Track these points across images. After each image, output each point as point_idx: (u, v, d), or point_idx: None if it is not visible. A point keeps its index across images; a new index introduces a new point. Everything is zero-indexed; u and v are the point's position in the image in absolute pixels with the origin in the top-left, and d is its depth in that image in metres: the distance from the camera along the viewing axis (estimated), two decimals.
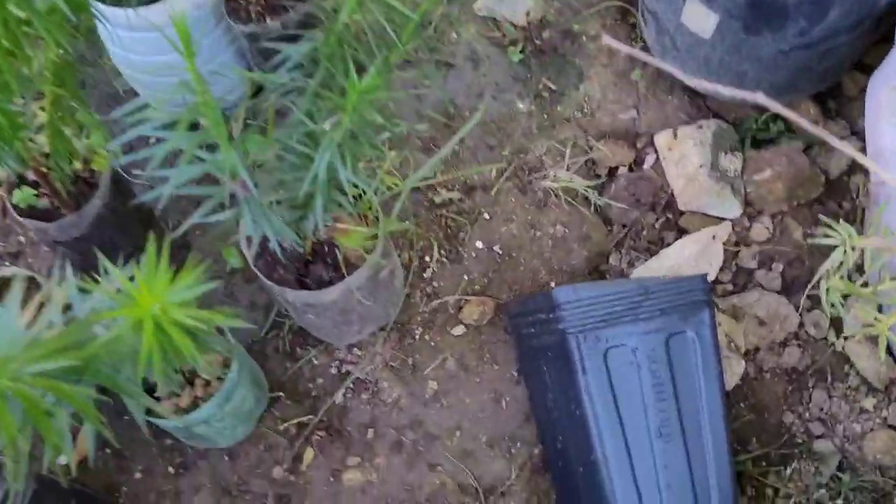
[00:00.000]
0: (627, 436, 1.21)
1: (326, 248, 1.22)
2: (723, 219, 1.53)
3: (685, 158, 1.52)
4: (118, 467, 1.47)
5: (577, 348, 1.21)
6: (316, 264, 1.23)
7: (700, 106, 1.63)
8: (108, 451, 1.48)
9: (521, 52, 1.64)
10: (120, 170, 1.67)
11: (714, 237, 1.48)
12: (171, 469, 1.45)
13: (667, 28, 1.49)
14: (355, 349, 1.48)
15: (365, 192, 1.20)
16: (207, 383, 1.29)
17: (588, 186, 1.53)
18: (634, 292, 1.23)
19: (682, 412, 1.23)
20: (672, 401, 1.23)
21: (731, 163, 1.54)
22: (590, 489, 1.24)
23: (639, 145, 1.61)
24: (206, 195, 1.01)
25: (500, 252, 1.51)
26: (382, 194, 1.23)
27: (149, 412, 1.30)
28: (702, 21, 1.39)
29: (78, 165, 1.38)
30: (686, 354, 1.25)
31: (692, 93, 1.63)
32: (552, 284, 1.48)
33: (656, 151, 1.60)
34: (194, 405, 1.28)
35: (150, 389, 1.30)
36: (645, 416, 1.22)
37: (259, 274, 1.20)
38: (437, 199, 1.55)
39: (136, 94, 1.74)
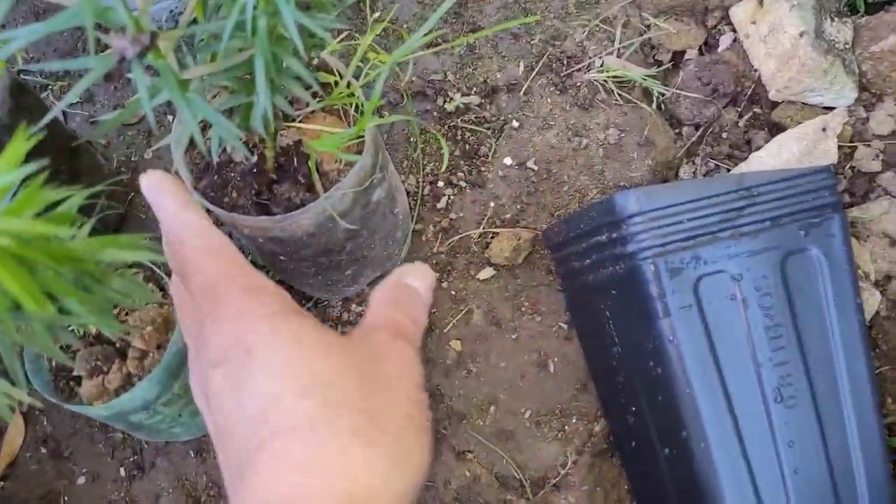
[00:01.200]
0: (733, 402, 0.84)
1: (296, 161, 0.84)
2: (831, 108, 1.14)
3: (778, 30, 1.14)
4: (57, 471, 1.14)
5: (654, 279, 0.84)
6: (283, 184, 0.85)
7: None
8: (43, 450, 1.15)
9: None
10: (45, 95, 1.33)
11: (825, 129, 1.10)
12: (122, 471, 1.12)
13: None
14: (353, 305, 1.12)
15: (340, 76, 0.83)
16: (143, 355, 0.94)
17: (647, 75, 1.15)
18: (733, 194, 0.86)
19: (810, 364, 0.86)
20: (794, 349, 0.86)
21: (840, 31, 1.15)
22: (680, 478, 0.88)
23: (709, 23, 1.23)
24: (83, 67, 0.63)
25: (536, 169, 1.14)
26: (366, 77, 0.86)
27: (66, 394, 0.96)
28: None
29: None
30: (810, 281, 0.88)
31: None
32: None
33: (734, 30, 1.21)
34: (128, 385, 0.94)
35: (67, 367, 0.96)
36: (756, 373, 0.85)
37: (202, 198, 0.82)
38: (450, 107, 1.18)
39: None
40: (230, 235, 0.80)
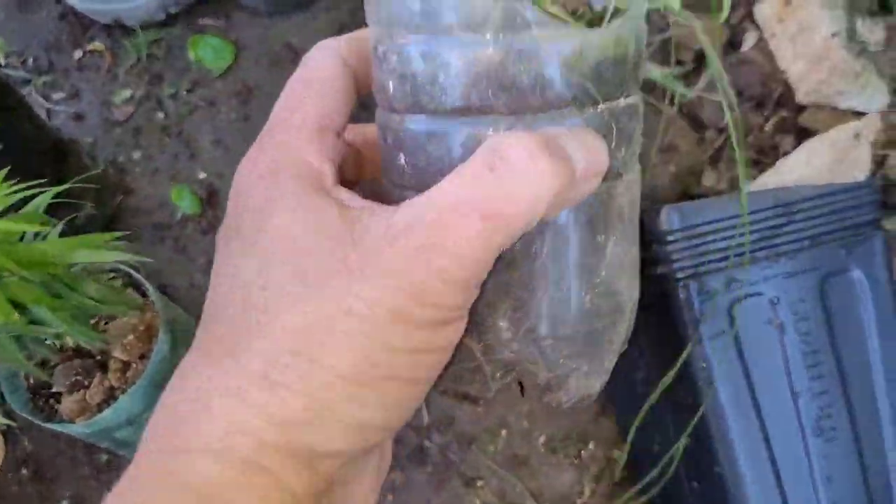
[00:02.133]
0: (769, 434, 0.78)
1: None
2: (862, 113, 1.08)
3: (807, 29, 1.07)
4: (39, 494, 1.07)
5: (689, 302, 0.78)
6: None
7: None
8: (24, 472, 1.09)
9: None
10: (27, 92, 1.25)
11: (857, 136, 1.03)
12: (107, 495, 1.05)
13: None
14: None
15: None
16: (126, 367, 0.88)
17: (669, 76, 1.09)
18: (771, 212, 0.80)
19: (850, 395, 0.80)
20: (834, 378, 0.80)
21: (873, 32, 1.08)
22: None
23: (733, 20, 1.16)
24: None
25: None
26: None
27: (48, 415, 0.89)
28: None
29: None
30: (851, 305, 0.82)
31: None
32: None
33: (758, 28, 1.15)
34: (111, 399, 0.87)
35: (46, 384, 0.89)
36: (794, 404, 0.79)
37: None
38: None
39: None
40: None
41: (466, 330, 0.51)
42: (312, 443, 0.34)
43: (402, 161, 0.40)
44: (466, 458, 0.97)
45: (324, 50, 0.45)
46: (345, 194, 0.39)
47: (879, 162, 1.07)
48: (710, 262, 0.78)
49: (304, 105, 0.44)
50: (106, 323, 0.91)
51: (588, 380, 0.58)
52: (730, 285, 0.78)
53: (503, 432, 0.98)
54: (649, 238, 0.78)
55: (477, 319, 0.48)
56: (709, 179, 1.10)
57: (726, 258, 0.78)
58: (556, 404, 0.63)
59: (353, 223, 0.37)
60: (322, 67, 0.44)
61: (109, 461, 1.06)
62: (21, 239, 0.59)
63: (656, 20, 1.13)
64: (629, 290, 0.53)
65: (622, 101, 0.40)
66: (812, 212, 0.80)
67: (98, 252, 0.56)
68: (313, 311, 0.35)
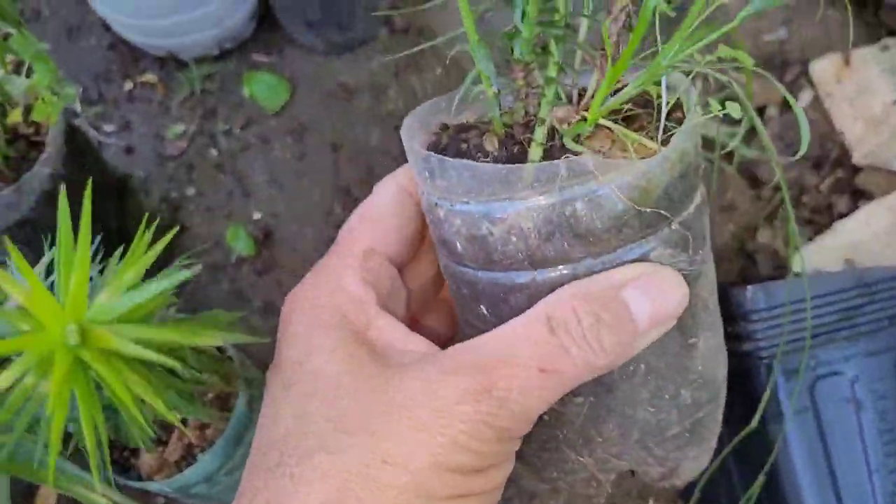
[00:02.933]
0: None
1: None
2: None
3: (866, 92, 1.09)
4: None
5: (770, 381, 0.79)
6: None
7: (870, 22, 1.19)
8: None
9: None
10: (78, 123, 1.25)
11: None
12: None
13: None
14: None
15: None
16: (204, 424, 0.88)
17: (729, 134, 1.10)
18: (852, 291, 0.81)
19: None
20: None
21: None
22: None
23: (788, 77, 1.18)
24: None
25: None
26: None
27: (122, 465, 0.89)
28: None
29: (16, 117, 0.96)
30: None
31: (859, 4, 1.19)
32: None
33: (812, 85, 1.17)
34: (188, 456, 0.88)
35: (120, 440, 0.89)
36: (870, 481, 0.80)
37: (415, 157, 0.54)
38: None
39: (105, 28, 1.31)
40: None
41: (575, 445, 0.52)
42: None
43: (484, 311, 0.40)
44: None
45: (388, 180, 0.46)
46: (386, 326, 0.40)
47: None
48: (792, 340, 0.79)
49: (354, 233, 0.45)
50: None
51: (698, 461, 0.60)
52: (812, 364, 0.80)
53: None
54: (734, 314, 0.80)
55: (586, 436, 0.48)
56: (764, 236, 1.11)
57: (810, 337, 0.80)
58: (671, 487, 0.64)
59: (391, 366, 0.38)
60: (382, 196, 0.46)
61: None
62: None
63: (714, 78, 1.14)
64: (722, 372, 0.54)
65: (692, 206, 0.41)
66: (891, 292, 0.82)
67: (227, 335, 0.57)
68: (349, 461, 0.35)
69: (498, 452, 0.37)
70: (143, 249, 0.47)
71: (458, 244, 0.40)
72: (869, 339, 0.81)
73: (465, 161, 0.37)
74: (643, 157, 0.36)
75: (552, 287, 0.39)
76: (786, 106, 1.16)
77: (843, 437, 0.80)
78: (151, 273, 0.48)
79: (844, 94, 1.12)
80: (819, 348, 0.80)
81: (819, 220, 1.11)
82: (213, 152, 1.22)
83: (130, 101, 1.28)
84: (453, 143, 0.41)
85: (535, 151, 0.38)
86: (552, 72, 0.38)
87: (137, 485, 0.83)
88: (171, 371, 0.62)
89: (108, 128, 1.26)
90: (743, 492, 0.85)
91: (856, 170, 1.12)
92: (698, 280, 0.43)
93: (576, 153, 0.37)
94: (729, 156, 1.12)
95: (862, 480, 0.80)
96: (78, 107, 1.22)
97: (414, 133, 0.42)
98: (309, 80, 1.25)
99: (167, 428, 0.87)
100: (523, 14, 0.38)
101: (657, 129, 0.38)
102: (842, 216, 1.09)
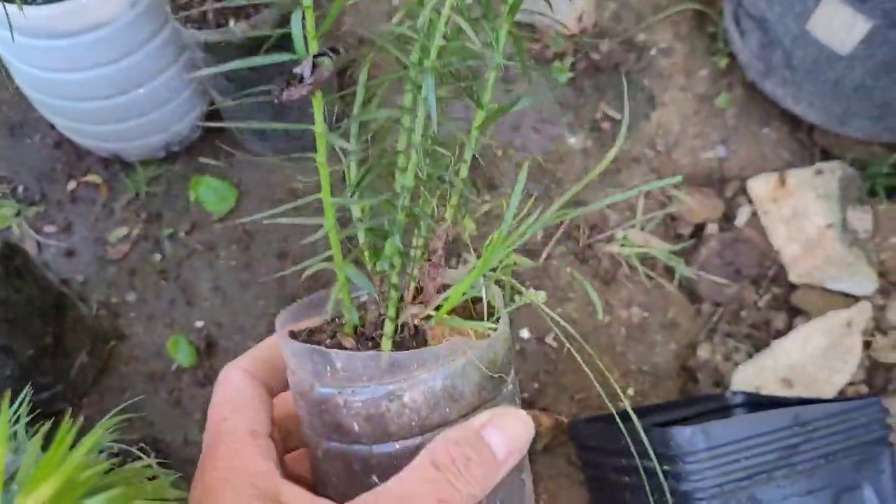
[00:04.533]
0: None
1: (415, 342, 0.66)
2: (850, 295, 1.13)
3: (802, 216, 1.13)
4: None
5: None
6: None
7: (803, 141, 1.24)
8: None
9: (570, 68, 1.23)
10: (17, 223, 1.23)
11: (849, 325, 1.08)
12: None
13: (779, 39, 1.09)
14: None
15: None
16: None
17: (670, 251, 1.13)
18: (789, 430, 0.82)
19: None
20: None
21: (861, 220, 1.14)
22: None
23: (727, 193, 1.21)
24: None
25: (555, 345, 1.09)
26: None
27: None
28: (842, 30, 1.00)
29: None
30: None
31: (794, 124, 1.23)
32: (630, 391, 1.07)
33: (751, 202, 1.20)
34: None
35: None
36: None
37: (289, 351, 0.60)
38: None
39: (51, 126, 1.29)
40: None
41: None
42: None
43: (376, 479, 0.47)
44: None
45: (233, 368, 0.51)
46: (292, 493, 0.45)
47: (866, 344, 1.12)
48: (732, 481, 0.80)
49: (231, 420, 0.50)
50: None
51: None
52: (752, 503, 0.80)
53: None
54: (673, 454, 0.80)
55: None
56: (704, 351, 1.13)
57: (748, 477, 0.80)
58: None
59: None
60: (237, 382, 0.50)
61: None
62: None
63: (657, 194, 1.17)
64: None
65: (513, 371, 0.49)
66: (826, 429, 0.83)
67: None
68: None
69: None
70: (63, 453, 0.46)
71: (355, 425, 0.46)
72: (806, 479, 0.82)
73: (371, 353, 0.45)
74: (480, 338, 0.46)
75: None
76: (725, 222, 1.19)
77: None
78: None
79: (781, 215, 1.15)
80: (758, 487, 0.81)
81: (757, 336, 1.13)
82: (157, 257, 1.21)
83: (73, 202, 1.26)
84: (313, 342, 0.49)
85: (386, 344, 0.46)
86: (393, 299, 0.48)
87: None
88: None
89: (49, 229, 1.24)
90: None
91: (792, 287, 1.15)
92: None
93: (422, 341, 0.48)
94: (670, 272, 1.14)
95: None
96: (15, 219, 1.20)
97: (284, 333, 0.49)
98: (258, 186, 1.25)
99: None
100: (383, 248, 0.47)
101: (483, 317, 0.47)
102: (779, 333, 1.12)
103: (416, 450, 0.45)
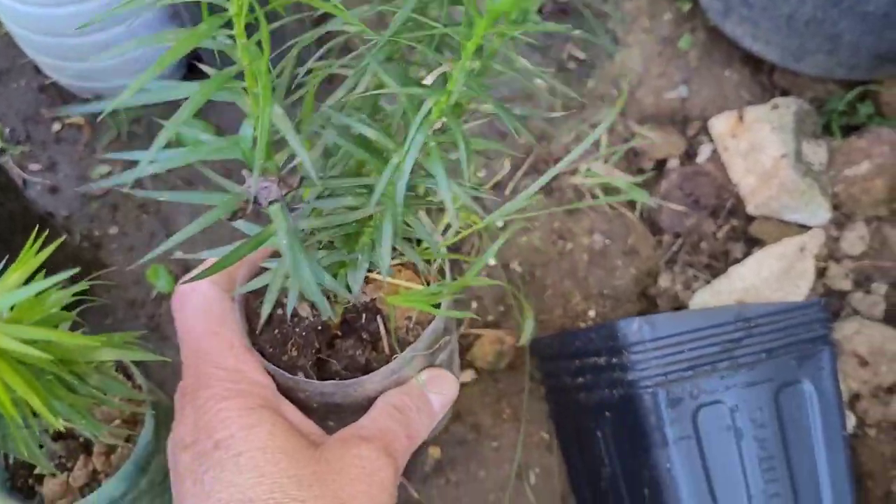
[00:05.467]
0: None
1: (364, 318, 0.69)
2: (805, 226, 1.17)
3: (758, 149, 1.17)
4: None
5: (654, 409, 0.83)
6: (347, 340, 0.70)
7: (764, 83, 1.29)
8: None
9: (538, 10, 1.27)
10: (2, 161, 1.26)
11: (802, 250, 1.12)
12: None
13: None
14: None
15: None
16: (110, 450, 0.89)
17: (632, 184, 1.17)
18: (732, 326, 0.87)
19: (799, 499, 0.87)
20: (786, 482, 0.86)
21: (816, 153, 1.18)
22: None
23: (689, 132, 1.26)
24: (205, 203, 0.54)
25: (520, 271, 1.14)
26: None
27: (25, 493, 0.89)
28: None
29: None
30: (801, 415, 0.89)
31: (755, 65, 1.28)
32: (590, 314, 1.11)
33: (712, 140, 1.24)
34: (93, 483, 0.88)
35: (26, 464, 0.89)
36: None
37: (261, 356, 0.62)
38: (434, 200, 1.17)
39: (36, 71, 1.33)
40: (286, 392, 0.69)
41: None
42: None
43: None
44: None
45: (204, 285, 0.58)
46: (289, 409, 0.54)
47: (821, 272, 1.16)
48: (676, 371, 0.84)
49: (225, 335, 0.56)
50: (93, 406, 0.92)
51: None
52: (694, 393, 0.84)
53: None
54: (621, 345, 0.84)
55: None
56: (665, 281, 1.17)
57: (692, 368, 0.84)
58: None
59: (314, 441, 0.51)
60: (216, 301, 0.57)
61: None
62: None
63: (620, 131, 1.21)
64: None
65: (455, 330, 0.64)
66: (768, 326, 0.87)
67: (121, 351, 0.59)
68: (323, 498, 0.46)
69: (395, 495, 0.50)
70: (32, 254, 0.50)
71: (313, 404, 0.59)
72: (748, 371, 0.86)
73: (330, 382, 0.57)
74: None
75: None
76: (686, 156, 1.23)
77: (725, 462, 0.84)
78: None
79: (739, 149, 1.19)
80: (701, 378, 0.85)
81: (716, 266, 1.17)
82: (135, 195, 1.25)
83: (57, 143, 1.30)
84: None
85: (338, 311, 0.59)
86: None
87: None
88: (67, 385, 0.64)
89: (34, 167, 1.28)
90: None
91: (750, 219, 1.20)
92: (450, 342, 0.66)
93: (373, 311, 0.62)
94: (631, 204, 1.18)
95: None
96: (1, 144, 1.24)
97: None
98: (236, 125, 1.29)
99: (73, 454, 0.88)
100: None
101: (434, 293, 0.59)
102: (737, 262, 1.16)
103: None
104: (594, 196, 1.16)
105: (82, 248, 1.21)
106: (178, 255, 1.19)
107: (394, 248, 0.58)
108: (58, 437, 0.90)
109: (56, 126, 1.31)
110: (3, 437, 0.60)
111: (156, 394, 0.94)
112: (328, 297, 0.60)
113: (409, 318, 0.65)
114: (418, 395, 0.56)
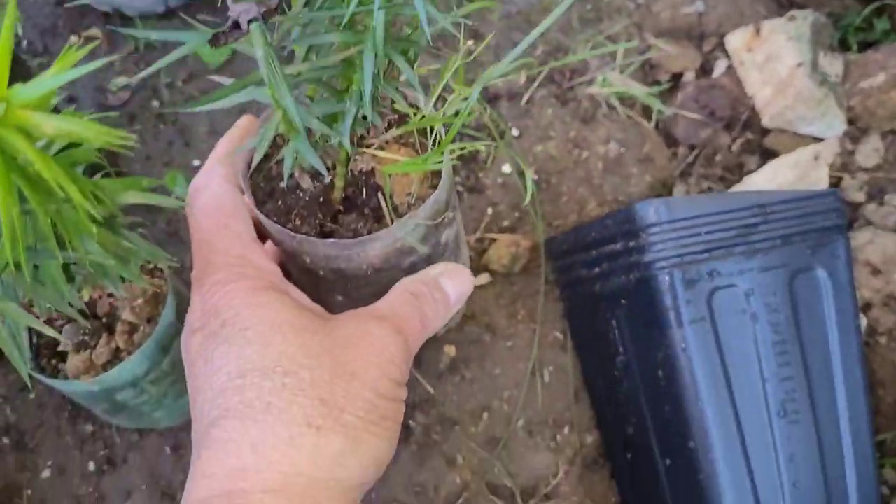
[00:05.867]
0: (740, 414, 0.85)
1: (365, 192, 0.70)
2: (820, 139, 1.18)
3: (774, 59, 1.17)
4: (20, 463, 1.08)
5: (670, 290, 0.84)
6: (350, 214, 0.73)
7: (781, 0, 1.28)
8: (6, 440, 1.09)
9: None
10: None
11: (817, 158, 1.13)
12: (91, 465, 1.06)
13: None
14: None
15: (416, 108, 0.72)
16: (133, 329, 0.90)
17: (649, 94, 1.17)
18: (749, 211, 0.87)
19: (811, 382, 0.88)
20: (798, 366, 0.88)
21: (832, 65, 1.19)
22: (680, 489, 0.88)
23: (705, 48, 1.26)
24: (177, 40, 0.55)
25: (535, 178, 1.14)
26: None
27: (49, 372, 0.91)
28: None
29: None
30: (815, 301, 0.90)
31: None
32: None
33: (728, 56, 1.24)
34: (115, 360, 0.89)
35: (50, 343, 0.91)
36: (763, 388, 0.86)
37: (263, 219, 0.64)
38: (449, 110, 1.18)
39: None
40: (284, 271, 0.70)
41: None
42: (349, 477, 0.45)
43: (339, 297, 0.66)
44: (449, 439, 1.02)
45: (216, 180, 0.60)
46: (295, 291, 0.55)
47: (835, 183, 1.17)
48: (692, 253, 0.85)
49: (235, 227, 0.58)
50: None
51: None
52: (710, 276, 0.85)
53: (485, 415, 1.03)
54: (637, 228, 0.85)
55: None
56: (679, 192, 1.18)
57: (708, 251, 0.85)
58: None
59: (323, 318, 0.52)
60: (227, 195, 0.59)
61: (94, 432, 1.07)
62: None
63: (636, 44, 1.21)
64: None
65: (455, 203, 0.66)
66: (784, 213, 0.88)
67: (146, 195, 0.60)
68: (324, 374, 0.46)
69: (406, 374, 0.51)
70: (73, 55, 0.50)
71: (319, 271, 0.63)
72: (763, 256, 0.87)
73: (331, 241, 0.58)
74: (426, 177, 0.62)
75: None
76: (702, 72, 1.24)
77: (739, 345, 0.85)
78: None
79: (755, 61, 1.19)
80: (717, 261, 0.86)
81: (730, 178, 1.18)
82: (155, 104, 1.26)
83: None
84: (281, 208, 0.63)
85: (337, 195, 0.61)
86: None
87: (63, 384, 0.85)
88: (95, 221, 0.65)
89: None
90: (643, 398, 0.90)
91: (765, 132, 1.20)
92: (454, 220, 0.71)
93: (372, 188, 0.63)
94: (647, 114, 1.19)
95: (755, 387, 0.86)
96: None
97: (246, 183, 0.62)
98: None
99: (96, 332, 0.89)
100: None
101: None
102: (751, 173, 1.16)
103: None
104: (610, 105, 1.16)
105: (99, 157, 1.22)
106: (196, 163, 1.20)
107: (388, 123, 0.62)
108: (82, 315, 0.91)
109: (73, 39, 1.32)
110: (34, 292, 0.60)
111: (177, 285, 0.95)
112: (326, 167, 0.63)
113: (409, 193, 0.66)
114: (434, 285, 0.57)
